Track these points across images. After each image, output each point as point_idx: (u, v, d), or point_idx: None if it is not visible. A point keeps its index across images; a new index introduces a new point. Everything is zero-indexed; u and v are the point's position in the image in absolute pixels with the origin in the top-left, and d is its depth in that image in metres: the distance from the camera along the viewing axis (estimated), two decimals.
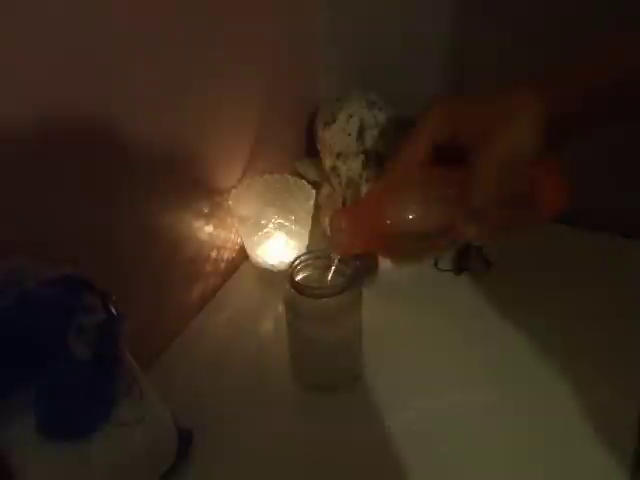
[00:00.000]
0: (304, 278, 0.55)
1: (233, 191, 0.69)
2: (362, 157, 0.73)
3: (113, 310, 0.41)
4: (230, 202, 0.68)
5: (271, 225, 0.68)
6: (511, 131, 0.37)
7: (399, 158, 0.41)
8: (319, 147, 0.78)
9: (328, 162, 0.76)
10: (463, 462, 0.51)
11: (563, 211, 0.40)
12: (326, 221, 0.76)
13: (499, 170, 0.37)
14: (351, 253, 0.46)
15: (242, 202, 0.69)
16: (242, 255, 0.74)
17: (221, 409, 0.56)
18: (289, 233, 0.69)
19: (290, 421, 0.56)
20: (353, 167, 0.74)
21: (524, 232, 0.41)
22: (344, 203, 0.75)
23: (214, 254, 0.71)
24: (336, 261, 0.50)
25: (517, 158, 0.37)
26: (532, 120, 0.37)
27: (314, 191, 0.70)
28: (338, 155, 0.74)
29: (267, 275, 0.71)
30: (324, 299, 0.52)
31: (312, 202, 0.69)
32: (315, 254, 0.56)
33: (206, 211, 0.67)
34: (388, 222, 0.40)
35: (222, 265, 0.73)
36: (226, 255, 0.73)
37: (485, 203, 0.37)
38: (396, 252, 0.43)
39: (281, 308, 0.59)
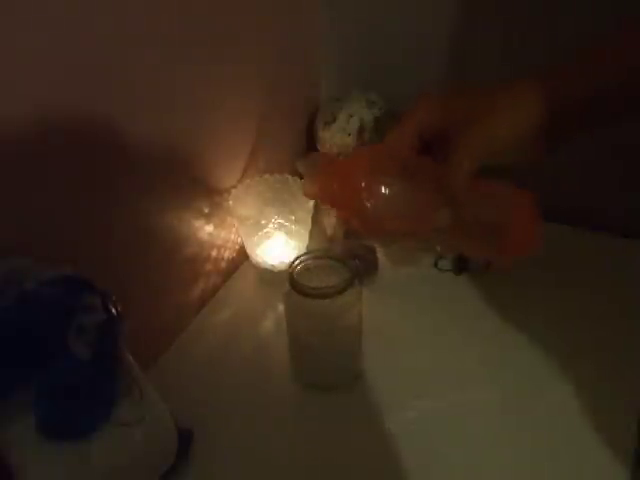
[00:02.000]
0: (304, 278, 0.55)
1: (233, 191, 0.69)
2: None
3: (113, 310, 0.41)
4: (230, 202, 0.68)
5: (271, 225, 0.67)
6: (494, 120, 0.38)
7: (387, 139, 0.42)
8: (319, 147, 0.78)
9: None
10: (463, 462, 0.51)
11: (531, 253, 0.37)
12: (326, 221, 0.76)
13: (477, 151, 0.37)
14: (316, 199, 0.45)
15: (242, 202, 0.69)
16: (242, 255, 0.74)
17: (221, 409, 0.56)
18: (289, 233, 0.69)
19: (290, 421, 0.56)
20: None
21: (503, 265, 0.41)
22: None
23: (214, 254, 0.71)
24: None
25: (492, 148, 0.38)
26: (522, 114, 0.37)
27: None
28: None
29: (267, 275, 0.71)
30: (324, 299, 0.52)
31: (312, 202, 0.69)
32: (315, 254, 0.56)
33: (206, 211, 0.67)
34: (363, 185, 0.39)
35: (222, 265, 0.73)
36: (226, 255, 0.73)
37: (461, 180, 0.37)
38: (369, 225, 0.42)
39: (281, 308, 0.59)
